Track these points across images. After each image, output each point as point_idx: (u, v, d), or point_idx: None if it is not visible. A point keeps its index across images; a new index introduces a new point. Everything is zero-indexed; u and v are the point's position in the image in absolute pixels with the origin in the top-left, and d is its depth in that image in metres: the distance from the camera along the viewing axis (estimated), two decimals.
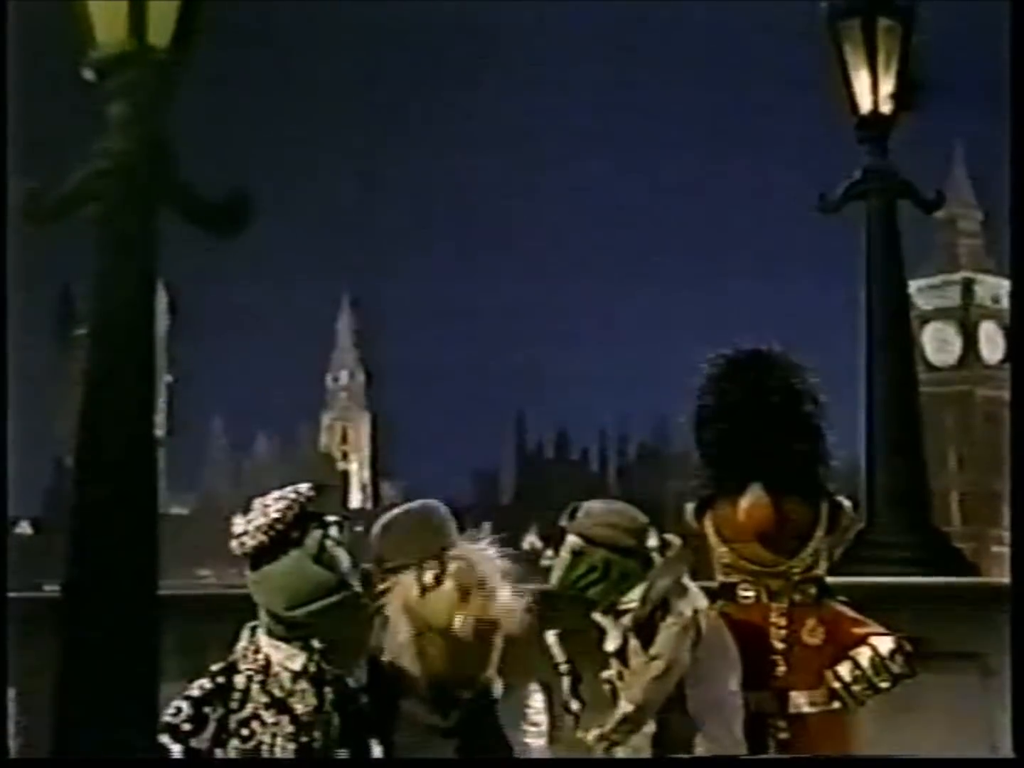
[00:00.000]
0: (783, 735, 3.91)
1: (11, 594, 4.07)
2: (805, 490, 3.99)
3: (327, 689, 3.66)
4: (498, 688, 3.73)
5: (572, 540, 3.85)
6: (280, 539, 3.62)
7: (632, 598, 3.80)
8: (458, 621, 3.60)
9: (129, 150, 3.58)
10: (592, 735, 3.74)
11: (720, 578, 4.05)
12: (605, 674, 3.78)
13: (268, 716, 3.61)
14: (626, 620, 3.78)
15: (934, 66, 7.98)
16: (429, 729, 3.63)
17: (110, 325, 3.64)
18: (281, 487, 3.82)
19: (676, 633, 3.75)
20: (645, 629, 3.78)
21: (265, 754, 3.58)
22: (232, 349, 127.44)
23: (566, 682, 3.85)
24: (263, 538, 3.60)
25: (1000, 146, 4.57)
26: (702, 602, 3.86)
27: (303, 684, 3.64)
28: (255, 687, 3.62)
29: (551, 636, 3.87)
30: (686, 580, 3.87)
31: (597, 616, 3.83)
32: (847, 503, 4.08)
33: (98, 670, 3.49)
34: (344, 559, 3.66)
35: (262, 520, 3.62)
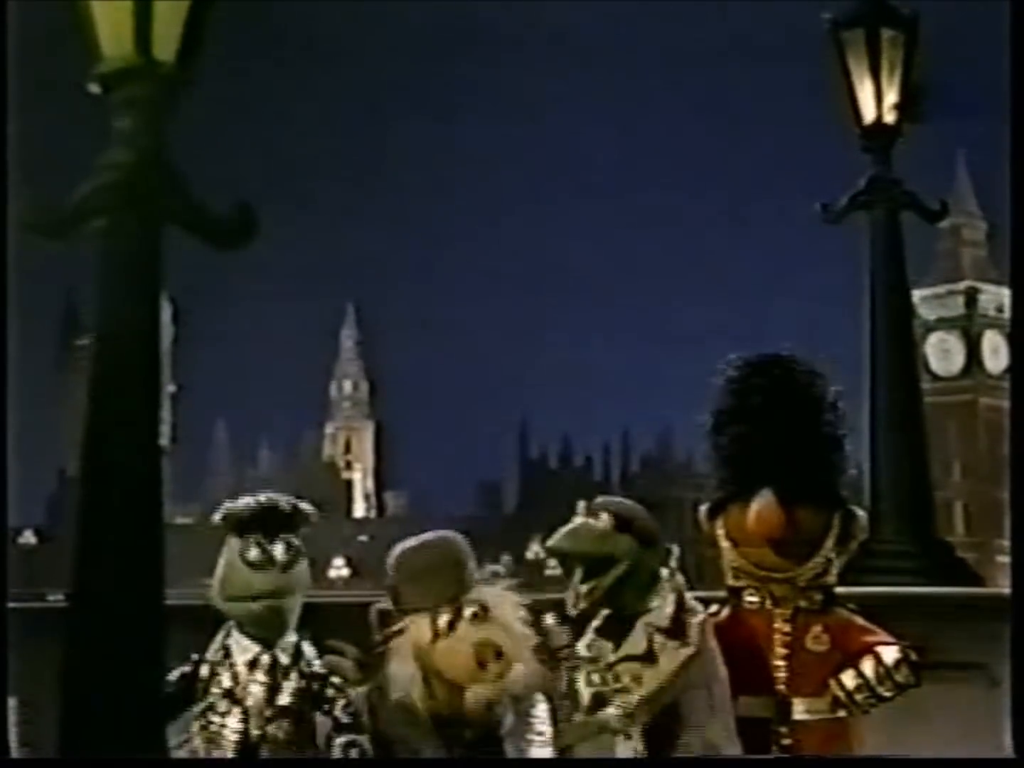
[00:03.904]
0: (785, 741, 3.91)
1: (15, 604, 4.07)
2: (818, 498, 3.99)
3: (287, 683, 3.71)
4: (508, 721, 3.72)
5: (604, 517, 3.85)
6: (233, 530, 3.89)
7: (655, 600, 3.81)
8: (471, 696, 3.58)
9: (134, 163, 3.58)
10: (612, 713, 3.73)
11: (728, 582, 4.06)
12: (625, 681, 3.77)
13: (222, 706, 3.68)
14: (657, 620, 3.77)
15: (937, 75, 7.99)
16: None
17: (114, 335, 3.64)
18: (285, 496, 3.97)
19: (702, 623, 3.79)
20: (676, 628, 3.79)
21: (217, 743, 3.67)
22: (236, 359, 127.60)
23: (567, 667, 3.83)
24: (220, 522, 3.90)
25: (1003, 155, 4.57)
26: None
27: (256, 675, 3.70)
28: (214, 677, 3.71)
29: (550, 619, 3.87)
30: None
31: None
32: (861, 513, 4.08)
33: (103, 680, 3.48)
34: (262, 577, 3.76)
35: (226, 507, 3.91)
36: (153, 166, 3.60)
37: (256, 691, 3.71)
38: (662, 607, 3.78)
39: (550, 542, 3.84)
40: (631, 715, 3.71)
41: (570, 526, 3.86)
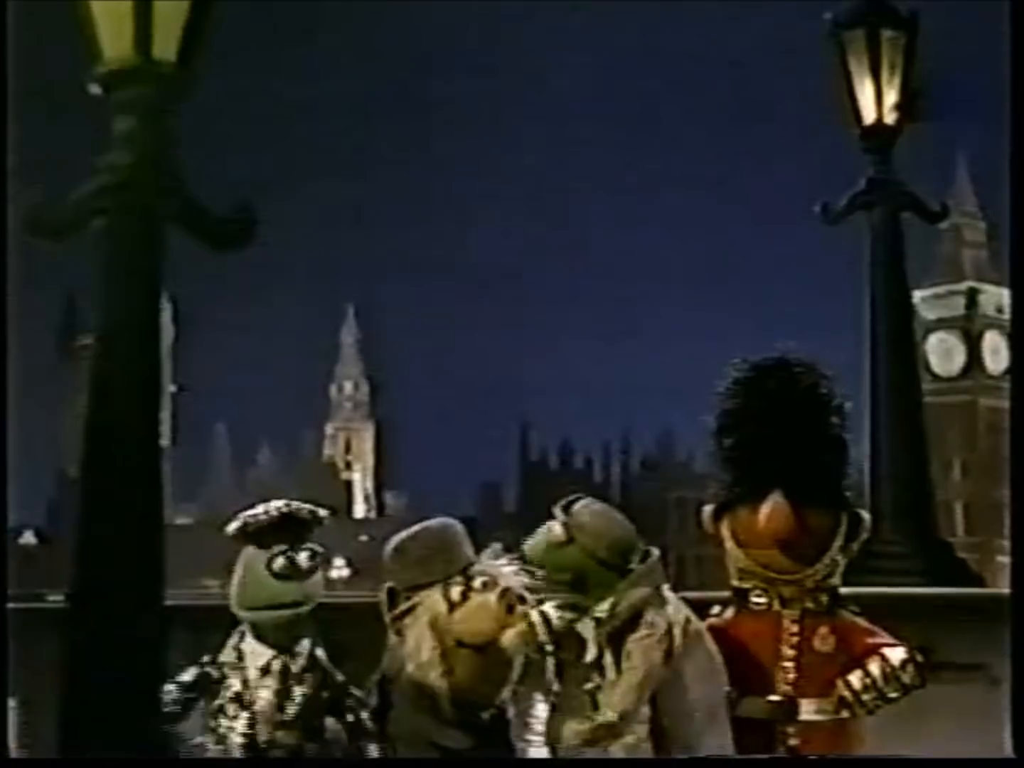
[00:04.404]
0: (792, 742, 3.92)
1: (15, 604, 4.07)
2: (826, 499, 3.99)
3: (298, 689, 3.71)
4: (511, 709, 3.74)
5: (557, 528, 3.87)
6: (251, 540, 3.79)
7: (605, 608, 3.80)
8: (509, 637, 3.61)
9: (134, 164, 3.59)
10: (568, 732, 3.74)
11: (734, 583, 4.06)
12: (587, 686, 3.78)
13: (231, 709, 3.68)
14: (600, 630, 3.79)
15: (937, 75, 7.99)
16: (443, 751, 3.62)
17: (115, 336, 3.65)
18: (285, 497, 3.94)
19: (647, 645, 3.75)
20: (618, 640, 3.78)
21: (223, 745, 3.66)
22: (236, 359, 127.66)
23: (551, 662, 3.84)
24: (237, 532, 3.78)
25: (1003, 155, 4.58)
26: (682, 613, 3.85)
27: (267, 681, 3.70)
28: (226, 680, 3.70)
29: (536, 615, 3.87)
30: (665, 591, 3.87)
31: (579, 627, 3.83)
32: (866, 515, 4.08)
33: (103, 680, 3.49)
34: (288, 587, 3.73)
35: (244, 517, 3.79)
36: (153, 167, 3.60)
37: (266, 696, 3.70)
38: (610, 619, 3.77)
39: (524, 547, 3.87)
40: (587, 739, 3.72)
41: (536, 534, 3.89)
